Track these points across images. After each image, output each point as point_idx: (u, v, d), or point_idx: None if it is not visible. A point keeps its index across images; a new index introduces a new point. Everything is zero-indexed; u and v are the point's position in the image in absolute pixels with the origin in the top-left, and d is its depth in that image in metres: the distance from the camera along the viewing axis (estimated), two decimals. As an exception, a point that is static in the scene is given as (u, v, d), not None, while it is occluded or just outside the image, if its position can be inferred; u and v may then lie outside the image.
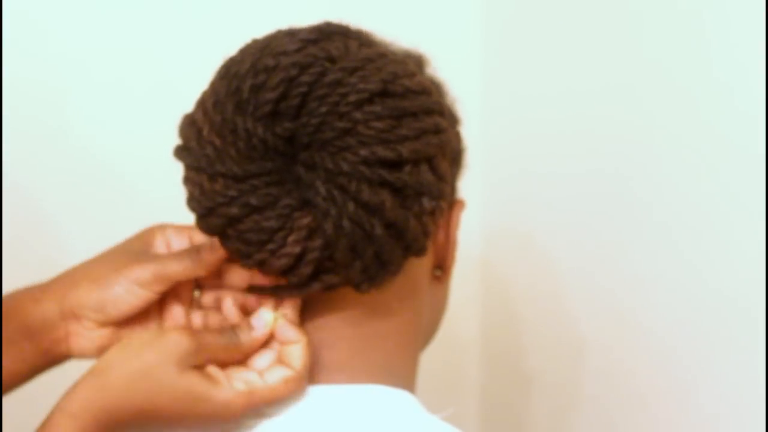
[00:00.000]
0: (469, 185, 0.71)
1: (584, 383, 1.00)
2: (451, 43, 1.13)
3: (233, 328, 0.61)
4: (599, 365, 0.97)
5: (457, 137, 0.66)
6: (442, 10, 1.15)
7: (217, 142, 0.57)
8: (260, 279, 0.62)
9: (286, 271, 0.58)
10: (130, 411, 0.57)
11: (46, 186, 1.05)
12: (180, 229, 0.68)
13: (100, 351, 0.62)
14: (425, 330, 0.69)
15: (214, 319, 0.65)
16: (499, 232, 1.16)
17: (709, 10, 0.76)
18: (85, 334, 0.64)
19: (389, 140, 0.56)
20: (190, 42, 1.06)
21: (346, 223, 0.56)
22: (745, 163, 0.73)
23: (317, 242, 0.57)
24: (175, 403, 0.57)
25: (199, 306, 0.66)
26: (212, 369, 0.59)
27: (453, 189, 0.68)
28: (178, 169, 0.60)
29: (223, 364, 0.60)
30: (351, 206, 0.56)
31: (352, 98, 0.56)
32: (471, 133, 0.67)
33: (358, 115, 0.56)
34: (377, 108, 0.56)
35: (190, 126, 0.60)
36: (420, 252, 0.60)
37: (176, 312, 0.65)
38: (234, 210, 0.57)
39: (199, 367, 0.59)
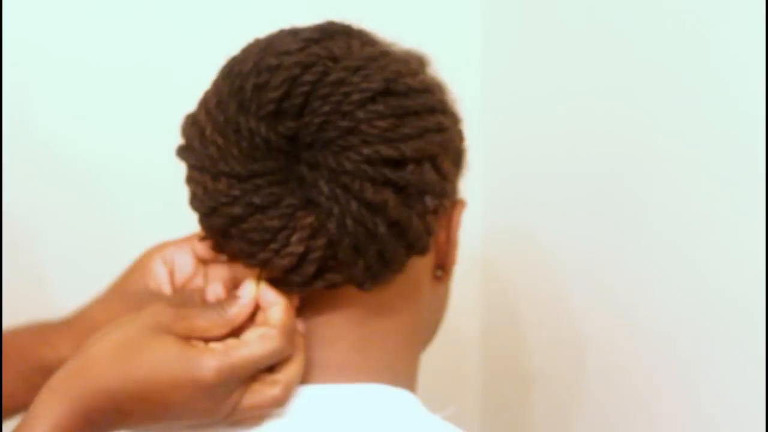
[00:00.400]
0: (469, 185, 0.71)
1: (584, 383, 1.00)
2: (451, 43, 1.13)
3: (221, 304, 0.60)
4: (599, 365, 0.97)
5: (460, 136, 0.66)
6: (443, 10, 1.15)
7: (220, 141, 0.58)
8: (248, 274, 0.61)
9: (289, 270, 0.58)
10: (113, 383, 0.56)
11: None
12: (179, 245, 0.68)
13: None
14: (426, 329, 0.69)
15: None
16: (500, 232, 1.16)
17: (710, 10, 0.77)
18: None
19: (392, 139, 0.56)
20: (191, 42, 1.06)
21: (349, 222, 0.56)
22: (746, 164, 0.73)
23: (320, 241, 0.57)
24: (154, 371, 0.56)
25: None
26: (195, 341, 0.58)
27: (455, 188, 0.68)
28: (176, 172, 0.61)
29: (215, 340, 0.59)
30: (354, 205, 0.56)
31: (354, 97, 0.56)
32: (471, 133, 0.67)
33: (361, 114, 0.56)
34: (380, 107, 0.56)
35: (192, 126, 0.60)
36: (423, 250, 0.60)
37: None
38: (237, 209, 0.57)
39: (184, 338, 0.57)
